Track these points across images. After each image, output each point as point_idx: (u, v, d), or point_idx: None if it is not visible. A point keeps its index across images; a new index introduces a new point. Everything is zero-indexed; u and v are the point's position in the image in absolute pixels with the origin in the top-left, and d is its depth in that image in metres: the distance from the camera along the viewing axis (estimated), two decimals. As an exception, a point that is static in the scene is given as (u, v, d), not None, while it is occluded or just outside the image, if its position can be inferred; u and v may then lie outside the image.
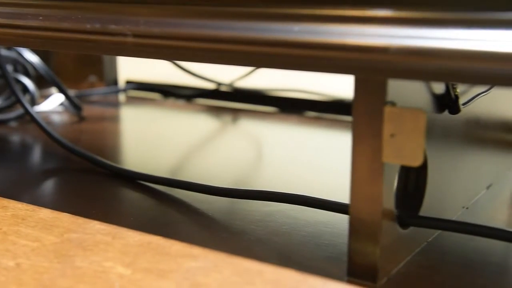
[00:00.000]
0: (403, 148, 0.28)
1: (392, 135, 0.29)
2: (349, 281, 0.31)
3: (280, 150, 0.58)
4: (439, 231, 0.36)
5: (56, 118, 0.70)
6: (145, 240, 0.32)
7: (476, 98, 0.37)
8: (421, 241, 0.35)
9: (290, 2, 0.28)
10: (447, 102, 0.35)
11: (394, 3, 0.26)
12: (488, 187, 0.45)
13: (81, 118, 0.68)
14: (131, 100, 0.81)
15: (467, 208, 0.41)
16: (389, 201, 0.30)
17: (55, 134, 0.52)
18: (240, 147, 0.61)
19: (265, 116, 0.72)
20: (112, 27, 0.32)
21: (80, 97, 0.78)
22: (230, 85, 0.76)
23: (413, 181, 0.35)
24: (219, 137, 0.67)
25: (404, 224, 0.33)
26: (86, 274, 0.29)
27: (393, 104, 0.29)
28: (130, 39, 0.32)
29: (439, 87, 0.34)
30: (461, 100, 0.35)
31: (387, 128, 0.29)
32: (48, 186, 0.48)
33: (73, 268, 0.29)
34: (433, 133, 0.35)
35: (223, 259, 0.30)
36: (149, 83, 0.84)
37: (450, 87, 0.35)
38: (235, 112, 0.74)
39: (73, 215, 0.36)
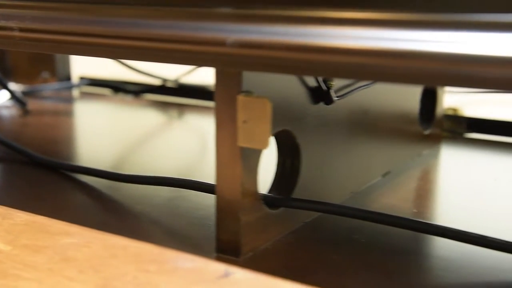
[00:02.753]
0: (253, 133, 0.31)
1: (244, 122, 0.31)
2: (217, 257, 0.34)
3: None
4: (320, 213, 0.39)
5: (4, 113, 0.72)
6: (30, 220, 0.35)
7: (353, 91, 0.40)
8: (298, 222, 0.38)
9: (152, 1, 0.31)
10: (320, 94, 0.38)
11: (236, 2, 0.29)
12: (384, 175, 0.48)
13: (26, 113, 0.71)
14: (84, 96, 0.84)
15: (355, 193, 0.44)
16: (250, 182, 0.33)
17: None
18: (185, 141, 0.63)
19: (210, 111, 0.75)
20: (1, 22, 0.35)
21: (33, 92, 0.81)
22: (175, 81, 0.79)
23: (289, 166, 0.38)
24: (165, 131, 0.69)
25: (274, 205, 0.36)
26: (-31, 249, 0.32)
27: (248, 93, 0.32)
28: (17, 33, 0.34)
29: (312, 80, 0.37)
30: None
31: (240, 115, 0.31)
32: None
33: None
34: (307, 122, 0.37)
35: (95, 236, 0.33)
36: (100, 79, 0.86)
37: (320, 79, 0.37)
38: (181, 107, 0.77)
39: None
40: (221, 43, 0.28)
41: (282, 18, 0.27)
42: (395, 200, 0.43)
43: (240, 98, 0.31)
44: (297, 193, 0.37)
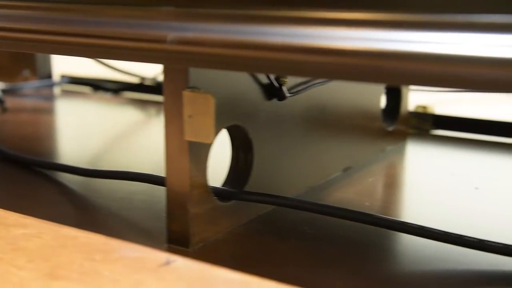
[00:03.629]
0: (198, 127, 0.32)
1: (190, 116, 0.32)
2: (168, 247, 0.35)
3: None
4: (274, 207, 0.40)
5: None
6: (-13, 212, 0.36)
7: (307, 88, 0.41)
8: (251, 214, 0.39)
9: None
10: (273, 91, 0.39)
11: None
12: (345, 170, 0.49)
13: (4, 110, 0.72)
14: (64, 94, 0.85)
15: (314, 187, 0.45)
16: (198, 175, 0.34)
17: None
18: (162, 138, 0.64)
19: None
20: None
21: (13, 90, 0.82)
22: (153, 79, 0.80)
23: (242, 160, 0.39)
24: (143, 128, 0.70)
25: (225, 198, 0.37)
26: None
27: (193, 89, 0.33)
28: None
29: (264, 77, 0.39)
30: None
31: (186, 110, 0.33)
32: None
33: None
34: (259, 118, 0.39)
35: (48, 227, 0.34)
36: (80, 77, 0.87)
37: (272, 76, 0.38)
38: (159, 104, 0.78)
39: None
40: (162, 40, 0.29)
41: (220, 16, 0.28)
42: (350, 194, 0.44)
43: (186, 93, 0.32)
44: (251, 187, 0.39)
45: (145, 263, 0.30)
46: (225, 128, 0.36)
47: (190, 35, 0.28)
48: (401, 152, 0.56)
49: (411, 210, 0.42)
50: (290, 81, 0.40)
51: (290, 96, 0.40)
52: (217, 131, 0.35)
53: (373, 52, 0.25)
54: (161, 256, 0.30)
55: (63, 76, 0.89)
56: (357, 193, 0.44)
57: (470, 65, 0.23)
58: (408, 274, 0.33)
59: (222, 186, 0.38)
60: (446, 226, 0.34)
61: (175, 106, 0.33)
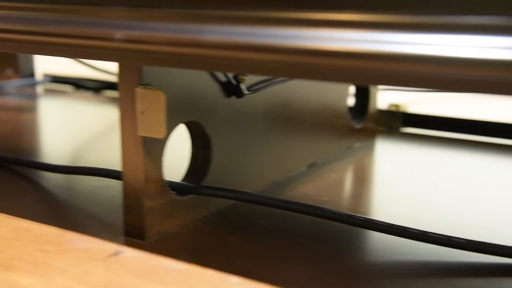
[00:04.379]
0: (150, 123, 0.33)
1: (142, 112, 0.33)
2: (125, 240, 0.36)
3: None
4: (234, 201, 0.41)
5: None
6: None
7: (266, 86, 0.42)
8: (210, 208, 0.40)
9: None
10: (231, 88, 0.40)
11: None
12: (309, 166, 0.50)
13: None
14: (46, 93, 0.86)
15: (277, 182, 0.46)
16: (153, 170, 0.35)
17: None
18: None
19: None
20: None
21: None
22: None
23: (201, 156, 0.40)
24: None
25: (183, 192, 0.38)
26: None
27: (146, 86, 0.34)
28: None
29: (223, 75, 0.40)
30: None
31: (139, 106, 0.34)
32: None
33: None
34: (218, 114, 0.40)
35: (5, 220, 0.35)
36: (62, 76, 0.88)
37: (230, 74, 0.39)
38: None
39: None
40: (111, 38, 0.30)
41: (167, 15, 0.29)
42: (311, 189, 0.45)
43: (138, 90, 0.33)
44: (212, 181, 0.40)
45: (95, 253, 0.31)
46: (183, 124, 0.37)
47: (137, 33, 0.29)
48: (368, 149, 0.57)
49: (367, 204, 0.43)
50: (252, 79, 0.41)
51: (249, 93, 0.41)
52: (172, 127, 0.36)
53: (320, 51, 0.26)
54: (111, 247, 0.31)
55: (45, 75, 0.90)
56: (318, 188, 0.45)
57: (438, 65, 0.24)
58: (358, 266, 0.34)
59: (182, 181, 0.39)
60: (400, 220, 0.35)
61: (129, 103, 0.34)
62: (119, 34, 0.30)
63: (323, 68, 0.26)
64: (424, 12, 0.24)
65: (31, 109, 0.78)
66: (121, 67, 0.34)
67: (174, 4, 0.29)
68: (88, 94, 0.84)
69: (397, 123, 0.63)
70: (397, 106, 0.67)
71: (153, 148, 0.35)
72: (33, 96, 0.84)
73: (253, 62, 0.27)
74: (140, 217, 0.35)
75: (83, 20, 0.31)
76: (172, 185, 0.37)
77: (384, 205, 0.42)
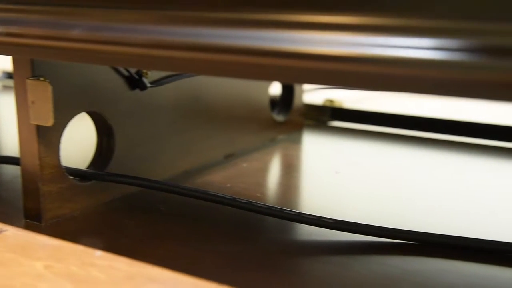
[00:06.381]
0: (39, 112, 0.36)
1: (33, 102, 0.36)
2: (25, 222, 0.39)
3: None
4: (140, 188, 0.44)
5: None
6: None
7: (172, 79, 0.45)
8: (114, 194, 0.43)
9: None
10: (135, 82, 0.43)
11: None
12: (227, 156, 0.52)
13: None
14: (4, 89, 0.88)
15: (189, 171, 0.48)
16: (49, 156, 0.38)
17: None
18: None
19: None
20: None
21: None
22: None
23: (105, 144, 0.42)
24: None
25: (85, 178, 0.41)
26: None
27: (38, 77, 0.36)
28: None
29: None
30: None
31: (30, 96, 0.36)
32: None
33: None
34: (121, 106, 0.42)
35: None
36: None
37: (131, 69, 0.42)
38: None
39: None
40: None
41: (41, 11, 0.32)
42: (218, 177, 0.47)
43: (28, 81, 0.36)
44: (117, 169, 0.42)
45: (-20, 232, 0.33)
46: (85, 113, 0.40)
47: (13, 28, 0.32)
48: (292, 141, 0.59)
49: (266, 191, 0.46)
50: (159, 72, 0.44)
51: (151, 86, 0.43)
52: (69, 116, 0.38)
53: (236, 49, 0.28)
54: (-3, 226, 0.34)
55: (3, 72, 0.92)
56: (225, 176, 0.48)
57: (354, 64, 0.24)
58: (233, 245, 0.36)
59: (88, 168, 0.42)
60: (299, 207, 0.38)
61: (22, 93, 0.37)
62: None
63: (218, 65, 0.28)
64: (354, 13, 0.25)
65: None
66: (13, 60, 0.37)
67: (49, 1, 0.32)
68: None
69: (325, 117, 0.66)
70: (331, 101, 0.69)
71: (48, 136, 0.38)
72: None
73: (112, 55, 0.30)
74: (37, 201, 0.38)
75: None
76: (73, 171, 0.40)
77: (282, 191, 0.45)
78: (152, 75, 0.44)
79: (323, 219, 0.36)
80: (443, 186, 0.46)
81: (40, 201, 0.38)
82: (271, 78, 0.32)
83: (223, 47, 0.28)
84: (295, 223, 0.37)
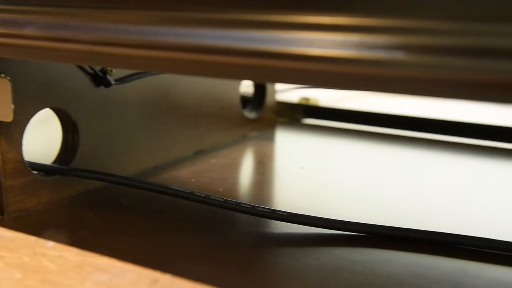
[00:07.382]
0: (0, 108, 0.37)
1: (-8, 98, 0.37)
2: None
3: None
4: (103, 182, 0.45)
5: None
6: None
7: (137, 77, 0.46)
8: (79, 188, 0.43)
9: None
10: (99, 79, 0.44)
11: None
12: (196, 153, 0.53)
13: None
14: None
15: (157, 166, 0.49)
16: (12, 151, 0.39)
17: None
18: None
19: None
20: None
21: None
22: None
23: (70, 140, 0.43)
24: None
25: (49, 172, 0.42)
26: None
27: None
28: None
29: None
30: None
31: (-10, 93, 0.37)
32: None
33: None
34: (85, 103, 0.43)
35: None
36: None
37: (94, 67, 0.43)
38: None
39: None
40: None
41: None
42: (185, 173, 0.48)
43: (-12, 78, 0.37)
44: (83, 164, 0.43)
45: None
46: (49, 109, 0.41)
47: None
48: (264, 138, 0.60)
49: (231, 186, 0.46)
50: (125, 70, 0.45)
51: (116, 84, 0.44)
52: (31, 112, 0.39)
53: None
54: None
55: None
56: (191, 172, 0.49)
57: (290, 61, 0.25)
58: (195, 240, 0.37)
59: (53, 163, 0.43)
60: (258, 201, 0.39)
61: (-16, 90, 0.38)
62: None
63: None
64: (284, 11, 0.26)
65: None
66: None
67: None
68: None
69: (299, 115, 0.67)
70: (307, 99, 0.70)
71: (10, 131, 0.39)
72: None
73: (60, 51, 0.31)
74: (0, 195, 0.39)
75: None
76: (37, 166, 0.41)
77: (245, 186, 0.46)
78: (117, 72, 0.45)
79: (277, 212, 0.37)
80: (406, 179, 0.47)
81: (3, 195, 0.39)
82: (241, 77, 0.32)
83: (183, 46, 0.28)
84: (251, 216, 0.38)
